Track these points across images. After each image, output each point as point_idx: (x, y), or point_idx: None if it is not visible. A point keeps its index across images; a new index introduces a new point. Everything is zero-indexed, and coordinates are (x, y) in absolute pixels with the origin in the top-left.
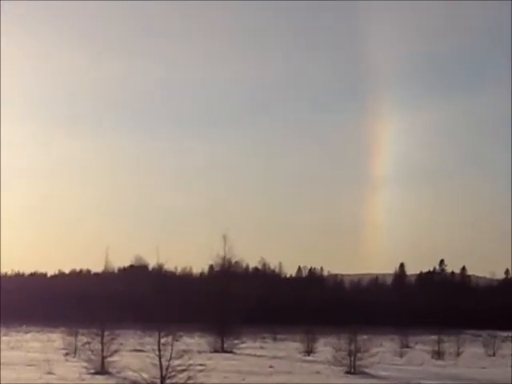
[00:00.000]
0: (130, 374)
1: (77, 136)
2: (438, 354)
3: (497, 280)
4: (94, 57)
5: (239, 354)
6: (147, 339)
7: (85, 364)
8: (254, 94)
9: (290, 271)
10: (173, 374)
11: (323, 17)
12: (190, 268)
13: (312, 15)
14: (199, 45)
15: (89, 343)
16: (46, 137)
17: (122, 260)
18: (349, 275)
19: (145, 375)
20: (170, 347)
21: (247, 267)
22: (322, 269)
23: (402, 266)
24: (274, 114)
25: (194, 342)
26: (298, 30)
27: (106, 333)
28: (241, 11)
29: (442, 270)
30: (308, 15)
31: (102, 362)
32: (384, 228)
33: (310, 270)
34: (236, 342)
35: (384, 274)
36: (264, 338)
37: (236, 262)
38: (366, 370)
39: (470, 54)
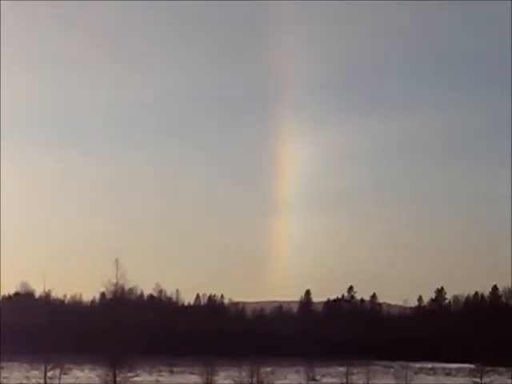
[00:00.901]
0: None
1: None
2: None
3: (410, 308)
4: None
5: None
6: (33, 372)
7: None
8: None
9: (187, 299)
10: None
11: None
12: (80, 295)
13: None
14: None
15: None
16: None
17: (6, 287)
18: (251, 303)
19: None
20: (57, 381)
21: (142, 294)
22: (222, 296)
23: (307, 292)
24: (176, 134)
25: (84, 376)
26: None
27: None
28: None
29: (352, 297)
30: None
31: None
32: (288, 254)
33: (210, 297)
34: (130, 374)
35: (289, 302)
36: (160, 370)
37: (129, 289)
38: None
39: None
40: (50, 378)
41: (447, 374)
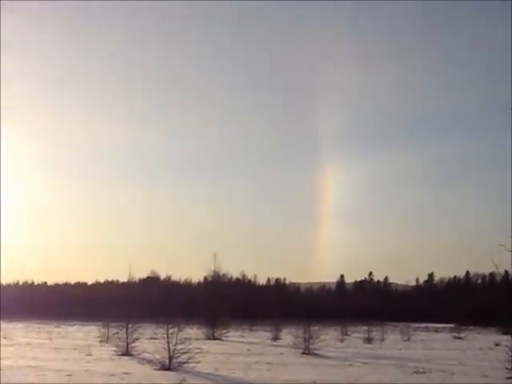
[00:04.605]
0: (147, 356)
1: None
2: (368, 340)
3: (410, 286)
4: None
5: (225, 341)
6: (159, 330)
7: (114, 348)
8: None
9: (261, 281)
10: (177, 355)
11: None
12: (190, 279)
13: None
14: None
15: (117, 333)
16: None
17: (141, 272)
18: (304, 283)
19: (157, 356)
20: (175, 336)
21: (231, 278)
22: (284, 279)
23: (342, 276)
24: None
25: (192, 332)
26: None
27: (130, 326)
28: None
29: (371, 279)
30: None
31: (127, 347)
32: (329, 249)
33: (277, 279)
34: (223, 331)
35: (329, 283)
36: (243, 329)
37: (223, 274)
38: (317, 352)
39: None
40: (171, 334)
41: (436, 331)
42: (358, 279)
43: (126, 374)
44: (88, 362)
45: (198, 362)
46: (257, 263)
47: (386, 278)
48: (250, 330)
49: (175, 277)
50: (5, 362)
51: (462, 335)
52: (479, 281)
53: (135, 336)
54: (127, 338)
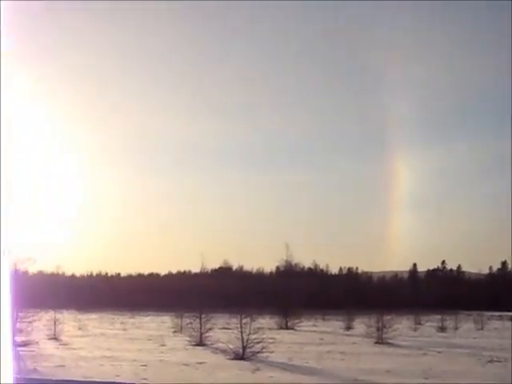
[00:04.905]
0: (221, 345)
1: None
2: (442, 329)
3: (483, 275)
4: None
5: (298, 331)
6: (232, 320)
7: (188, 338)
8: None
9: (333, 270)
10: (251, 344)
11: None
12: (263, 268)
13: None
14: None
15: (191, 323)
16: None
17: (213, 263)
18: (376, 272)
19: (231, 346)
20: (248, 326)
21: (303, 267)
22: (356, 268)
23: (414, 265)
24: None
25: (265, 322)
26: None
27: (203, 316)
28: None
29: (444, 267)
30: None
31: (200, 337)
32: (402, 238)
33: (349, 269)
34: (296, 321)
35: (402, 271)
36: (316, 318)
37: (295, 264)
38: (390, 341)
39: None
40: (244, 324)
41: (510, 320)
42: (431, 268)
43: (200, 363)
44: (162, 352)
45: (272, 352)
46: (329, 252)
47: (458, 267)
48: (323, 319)
49: (247, 267)
50: (80, 353)
51: None
52: None
53: (208, 326)
54: (201, 328)
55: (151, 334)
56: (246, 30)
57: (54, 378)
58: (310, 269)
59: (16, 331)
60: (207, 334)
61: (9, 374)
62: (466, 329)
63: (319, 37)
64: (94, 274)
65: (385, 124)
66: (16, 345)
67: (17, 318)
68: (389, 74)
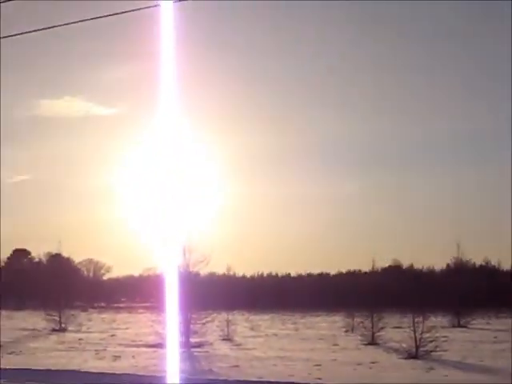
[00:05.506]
0: (393, 345)
1: None
2: None
3: None
4: None
5: (471, 329)
6: (404, 319)
7: (359, 338)
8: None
9: (505, 267)
10: (424, 343)
11: None
12: (433, 266)
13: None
14: None
15: (362, 323)
16: None
17: (383, 262)
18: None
19: (404, 345)
20: (421, 324)
21: (474, 264)
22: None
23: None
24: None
25: (437, 321)
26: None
27: (374, 315)
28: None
29: None
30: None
31: (372, 336)
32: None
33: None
34: (468, 319)
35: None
36: (489, 316)
37: (466, 261)
38: None
39: None
40: (416, 323)
41: None
42: None
43: (373, 362)
44: (334, 351)
45: (445, 351)
46: (501, 249)
47: None
48: (496, 317)
49: (417, 265)
50: (254, 353)
51: None
52: None
53: (380, 325)
54: (372, 327)
55: (323, 334)
56: None
57: (230, 379)
58: (481, 266)
59: (191, 333)
60: (379, 333)
61: (175, 375)
62: None
63: None
64: (265, 274)
65: None
66: (191, 346)
67: (190, 320)
68: None
